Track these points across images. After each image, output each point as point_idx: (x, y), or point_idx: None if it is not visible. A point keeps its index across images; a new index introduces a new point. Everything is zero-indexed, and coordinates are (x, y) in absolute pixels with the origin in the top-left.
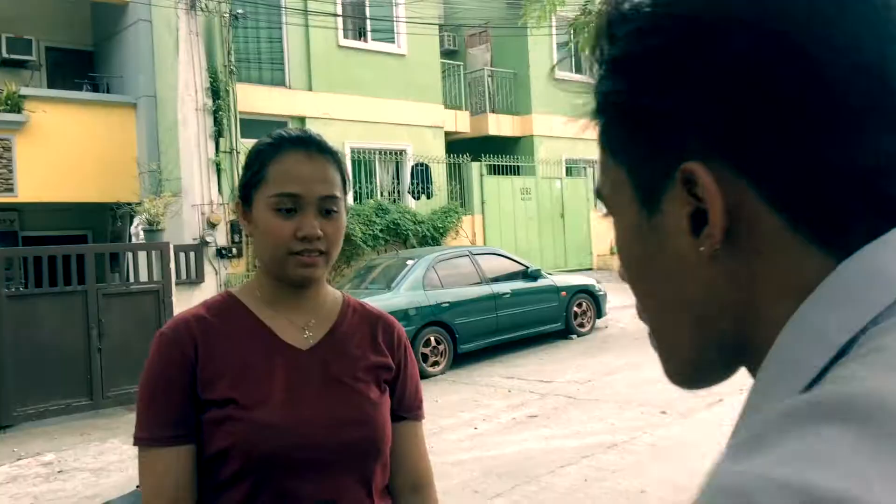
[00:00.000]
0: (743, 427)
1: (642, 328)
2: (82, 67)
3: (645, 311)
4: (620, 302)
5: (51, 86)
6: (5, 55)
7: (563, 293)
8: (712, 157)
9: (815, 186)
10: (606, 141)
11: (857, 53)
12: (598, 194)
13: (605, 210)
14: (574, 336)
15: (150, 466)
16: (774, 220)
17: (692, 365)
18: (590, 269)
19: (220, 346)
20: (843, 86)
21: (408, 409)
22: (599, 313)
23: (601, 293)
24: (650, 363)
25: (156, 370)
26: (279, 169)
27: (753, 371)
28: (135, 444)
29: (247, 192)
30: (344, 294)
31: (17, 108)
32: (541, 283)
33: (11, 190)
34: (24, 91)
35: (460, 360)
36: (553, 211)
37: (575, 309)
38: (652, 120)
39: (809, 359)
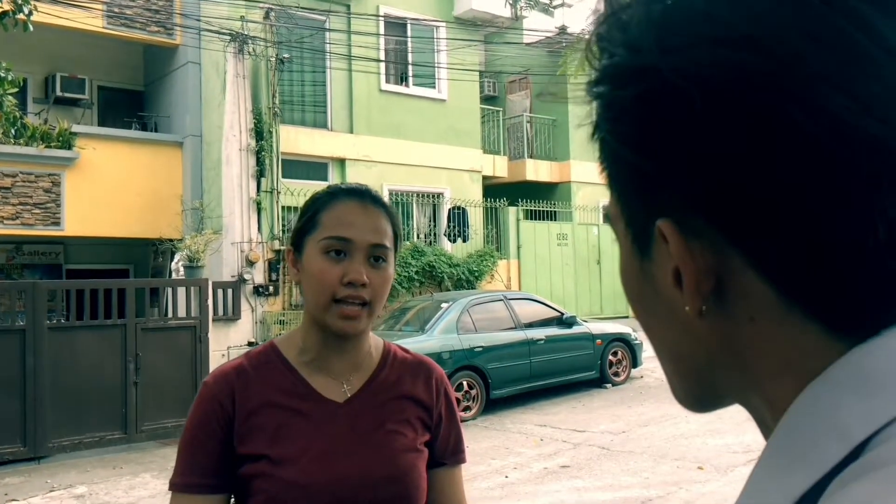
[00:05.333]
0: None
1: None
2: (132, 107)
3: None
4: None
5: (101, 124)
6: (59, 93)
7: (599, 341)
8: (693, 214)
9: (809, 262)
10: (602, 161)
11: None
12: (607, 217)
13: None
14: (609, 385)
15: None
16: (766, 291)
17: (691, 400)
18: (626, 317)
19: (258, 400)
20: (845, 158)
21: (447, 456)
22: (635, 363)
23: (637, 342)
24: (687, 417)
25: (195, 420)
26: (332, 215)
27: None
28: (169, 489)
29: (299, 239)
30: (386, 342)
31: (68, 145)
32: (576, 330)
33: (58, 224)
34: (75, 128)
35: (492, 405)
36: (589, 257)
37: (610, 357)
38: (633, 167)
39: (826, 451)
